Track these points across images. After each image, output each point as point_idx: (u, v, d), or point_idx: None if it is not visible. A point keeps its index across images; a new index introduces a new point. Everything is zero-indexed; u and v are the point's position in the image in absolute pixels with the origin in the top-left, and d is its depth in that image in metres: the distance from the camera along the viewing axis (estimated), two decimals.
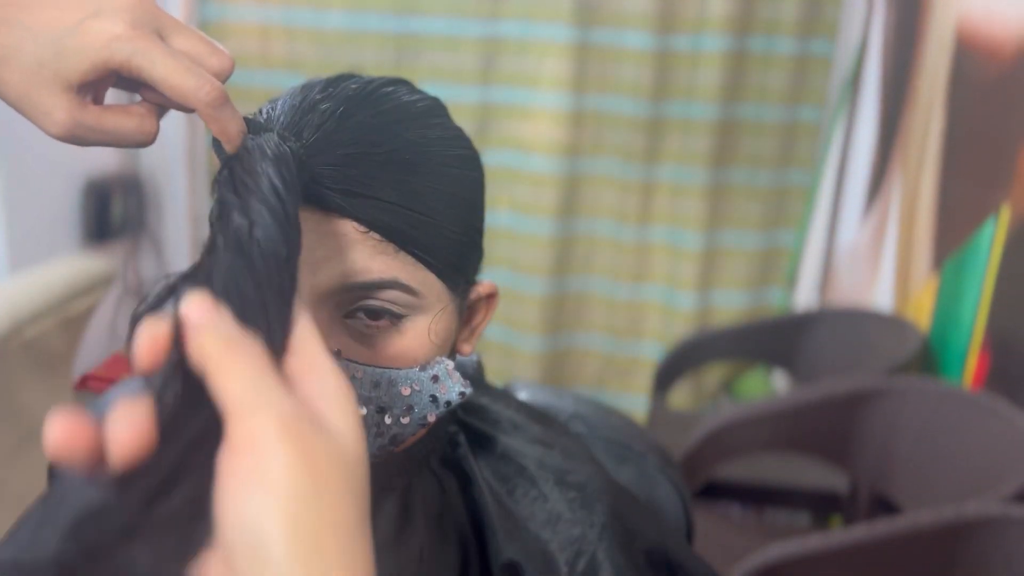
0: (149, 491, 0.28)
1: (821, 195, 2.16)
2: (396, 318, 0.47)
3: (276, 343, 0.33)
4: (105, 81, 0.42)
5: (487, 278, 0.55)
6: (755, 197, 2.18)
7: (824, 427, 1.32)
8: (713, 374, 2.27)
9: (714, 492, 1.50)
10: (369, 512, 0.31)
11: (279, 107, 0.47)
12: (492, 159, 2.15)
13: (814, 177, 2.19)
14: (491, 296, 0.56)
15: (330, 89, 0.47)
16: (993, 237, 1.29)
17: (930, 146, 1.56)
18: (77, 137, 0.42)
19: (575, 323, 2.27)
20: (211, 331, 0.31)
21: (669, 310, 2.22)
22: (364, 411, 0.46)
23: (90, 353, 2.36)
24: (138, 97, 0.44)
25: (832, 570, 0.98)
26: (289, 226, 0.37)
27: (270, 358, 0.32)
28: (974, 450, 1.16)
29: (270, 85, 2.14)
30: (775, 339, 1.87)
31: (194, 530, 0.28)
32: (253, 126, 0.44)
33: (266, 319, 0.33)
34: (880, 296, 1.74)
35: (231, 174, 0.39)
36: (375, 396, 0.46)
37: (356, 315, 0.46)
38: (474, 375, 0.63)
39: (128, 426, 0.29)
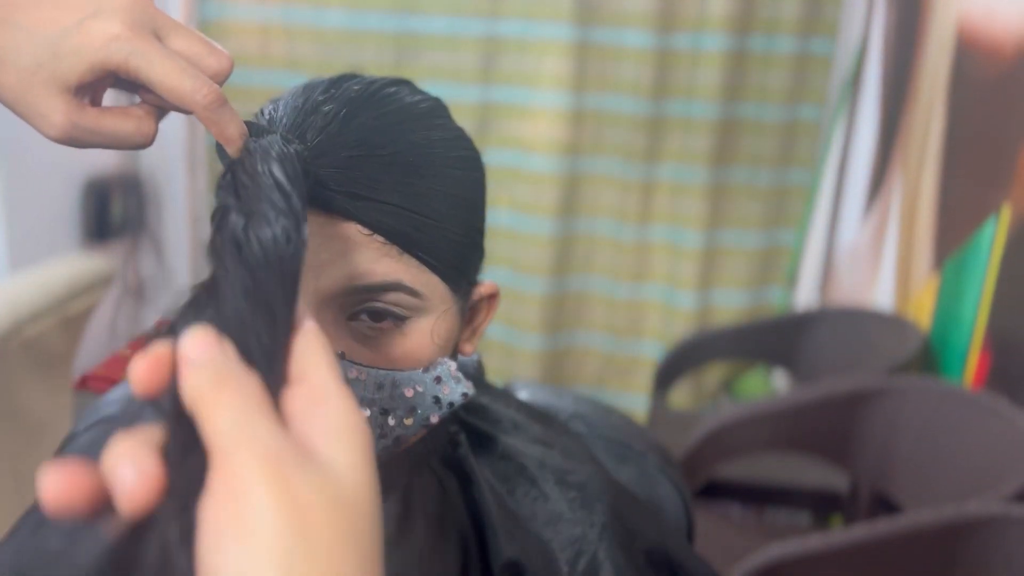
0: (164, 541, 0.25)
1: (821, 194, 2.16)
2: (399, 320, 0.47)
3: (276, 373, 0.30)
4: (103, 82, 0.42)
5: (487, 278, 0.55)
6: (755, 196, 2.18)
7: (824, 427, 1.31)
8: (713, 373, 2.27)
9: (714, 492, 1.50)
10: (381, 558, 0.28)
11: (281, 108, 0.46)
12: (492, 158, 2.15)
13: (814, 176, 2.19)
14: (492, 296, 0.55)
15: (332, 90, 0.47)
16: (994, 237, 1.29)
17: (931, 145, 1.56)
18: (75, 139, 0.41)
19: (575, 322, 2.27)
20: (204, 368, 0.28)
21: (669, 309, 2.22)
22: (368, 413, 0.46)
23: (90, 353, 2.36)
24: (137, 98, 0.44)
25: (832, 570, 0.97)
26: (295, 219, 0.35)
27: (268, 392, 0.29)
28: (975, 450, 1.16)
29: (270, 84, 2.14)
30: (775, 339, 1.86)
31: None
32: (255, 129, 0.44)
33: (266, 348, 0.30)
34: (881, 295, 1.73)
35: (233, 178, 0.38)
36: (379, 398, 0.46)
37: (359, 317, 0.46)
38: (474, 374, 0.63)
39: (135, 472, 0.26)
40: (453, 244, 0.48)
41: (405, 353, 0.47)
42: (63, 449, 0.62)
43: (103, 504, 0.27)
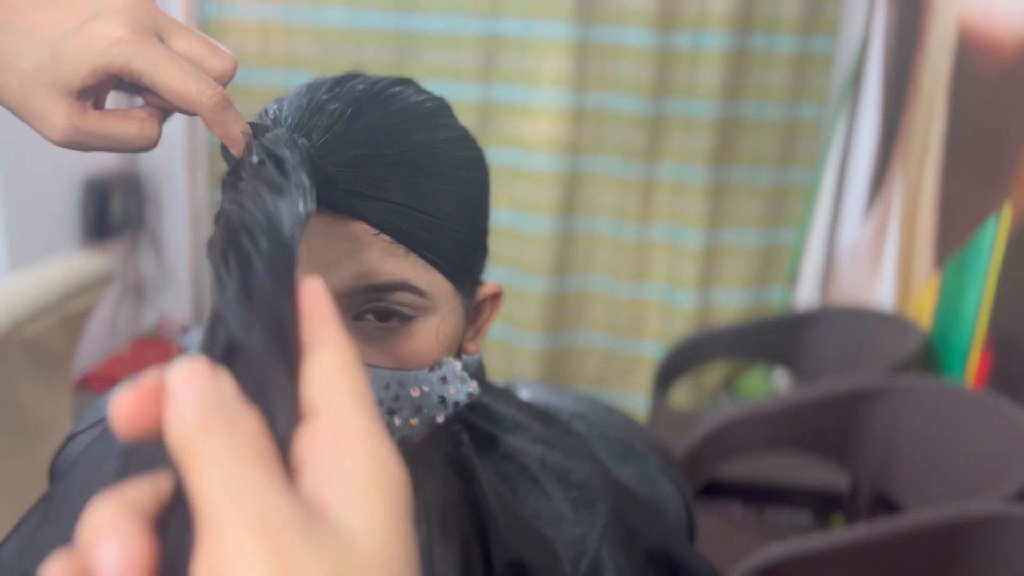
0: None
1: (822, 193, 2.16)
2: (405, 319, 0.47)
3: (286, 400, 0.25)
4: (106, 85, 0.42)
5: (487, 277, 0.55)
6: (756, 195, 2.18)
7: (825, 426, 1.31)
8: (714, 373, 2.27)
9: (715, 491, 1.50)
10: None
11: (285, 108, 0.46)
12: (492, 157, 2.12)
13: (815, 175, 2.19)
14: (496, 296, 0.56)
15: (337, 89, 0.47)
16: (995, 235, 1.29)
17: (932, 144, 1.56)
18: (77, 143, 0.41)
19: (575, 321, 2.27)
20: (191, 410, 0.23)
21: (670, 308, 2.22)
22: None
23: (90, 353, 2.36)
24: (139, 100, 0.44)
25: (833, 569, 0.97)
26: (301, 192, 0.34)
27: (273, 431, 0.24)
28: (976, 449, 1.16)
29: (270, 83, 2.14)
30: (776, 338, 1.86)
31: None
32: (259, 129, 0.44)
33: (271, 366, 0.25)
34: (881, 294, 1.73)
35: (236, 177, 0.38)
36: (385, 398, 0.46)
37: (365, 317, 0.46)
38: (475, 374, 0.63)
39: (118, 550, 0.22)
40: (458, 244, 0.48)
41: (411, 353, 0.47)
42: (63, 449, 0.62)
43: None
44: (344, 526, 0.22)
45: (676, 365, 1.87)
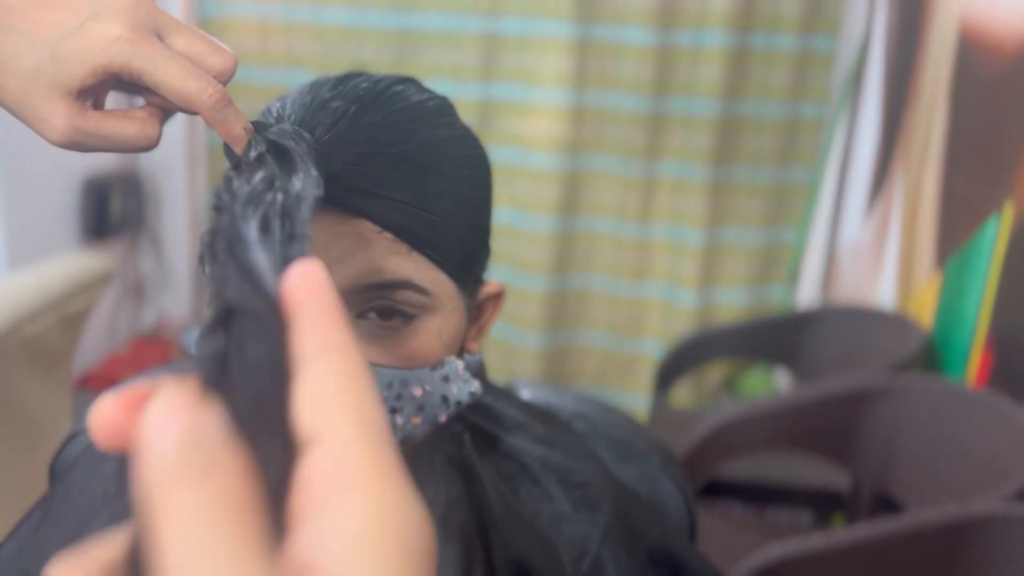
0: None
1: (823, 192, 2.16)
2: (408, 318, 0.47)
3: (279, 426, 0.21)
4: (106, 85, 0.41)
5: (488, 276, 0.55)
6: (756, 194, 2.18)
7: (826, 425, 1.31)
8: (714, 372, 2.27)
9: (716, 491, 1.50)
10: None
11: (288, 106, 0.46)
12: (493, 155, 2.12)
13: (816, 174, 2.19)
14: (498, 296, 0.56)
15: (340, 87, 0.47)
16: (996, 234, 1.29)
17: (933, 143, 1.56)
18: (77, 143, 0.41)
19: (576, 320, 2.27)
20: (162, 457, 0.19)
21: (670, 308, 2.22)
22: None
23: (90, 352, 2.36)
24: (139, 100, 0.44)
25: (834, 569, 0.97)
26: (305, 168, 0.33)
27: (262, 478, 0.20)
28: (977, 448, 1.16)
29: (270, 82, 2.13)
30: (777, 337, 1.86)
31: None
32: (263, 127, 0.44)
33: (263, 382, 0.21)
34: (883, 294, 1.73)
35: (238, 172, 0.38)
36: (387, 397, 0.46)
37: (368, 315, 0.46)
38: (477, 373, 0.63)
39: None
40: (461, 242, 0.48)
41: (413, 352, 0.47)
42: (63, 449, 0.62)
43: None
44: None
45: (676, 364, 1.86)
